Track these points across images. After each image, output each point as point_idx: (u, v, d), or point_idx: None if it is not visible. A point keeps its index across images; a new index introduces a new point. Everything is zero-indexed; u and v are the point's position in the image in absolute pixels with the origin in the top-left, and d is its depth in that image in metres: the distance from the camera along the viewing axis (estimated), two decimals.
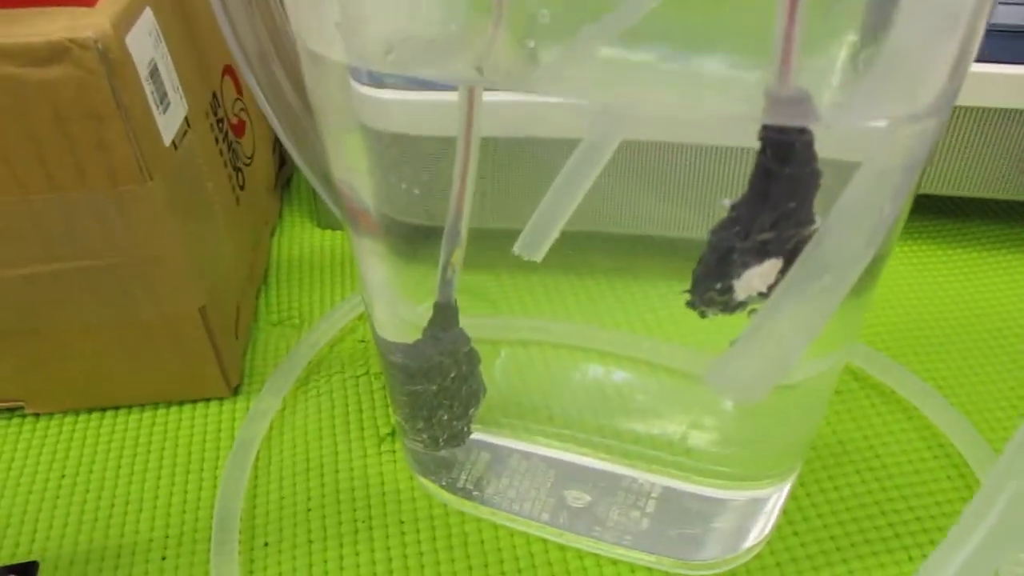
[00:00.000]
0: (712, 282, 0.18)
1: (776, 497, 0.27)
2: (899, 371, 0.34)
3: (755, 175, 0.17)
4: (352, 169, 0.24)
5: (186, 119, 0.29)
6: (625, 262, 0.25)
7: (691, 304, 0.19)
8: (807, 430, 0.26)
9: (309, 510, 0.29)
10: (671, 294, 0.24)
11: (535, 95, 0.19)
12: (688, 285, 0.19)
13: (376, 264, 0.26)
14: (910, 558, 0.28)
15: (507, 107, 0.21)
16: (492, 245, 0.25)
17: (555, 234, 0.23)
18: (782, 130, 0.16)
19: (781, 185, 0.17)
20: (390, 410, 0.32)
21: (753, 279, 0.18)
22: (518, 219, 0.22)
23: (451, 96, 0.20)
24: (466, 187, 0.23)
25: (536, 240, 0.23)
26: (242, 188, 0.34)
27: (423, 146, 0.23)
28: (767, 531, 0.28)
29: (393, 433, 0.31)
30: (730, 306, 0.19)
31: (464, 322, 0.26)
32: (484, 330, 0.28)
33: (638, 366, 0.28)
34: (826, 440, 0.32)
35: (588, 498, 0.29)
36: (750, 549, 0.28)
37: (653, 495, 0.28)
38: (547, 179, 0.21)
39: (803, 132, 0.16)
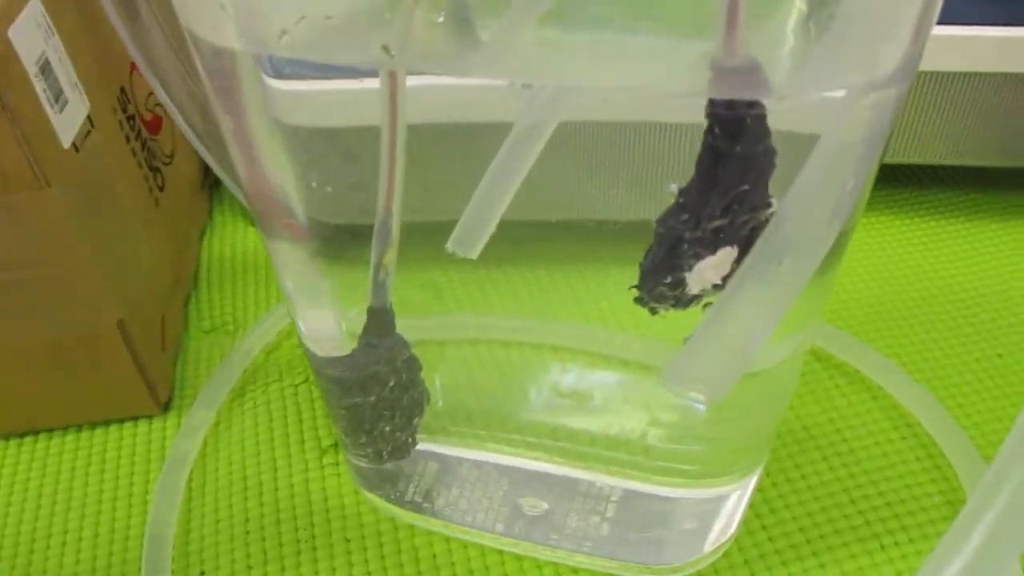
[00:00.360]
0: (662, 276, 0.16)
1: (741, 493, 0.26)
2: (862, 349, 0.32)
3: (703, 157, 0.15)
4: (266, 169, 0.22)
5: (89, 118, 0.26)
6: (575, 250, 0.24)
7: (640, 300, 0.17)
8: (771, 421, 0.25)
9: (248, 532, 0.27)
10: (624, 282, 0.24)
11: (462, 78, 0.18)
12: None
13: (300, 270, 0.24)
14: (881, 546, 0.27)
15: (435, 91, 0.19)
16: (432, 239, 0.22)
17: (491, 228, 0.21)
18: (730, 105, 0.15)
19: (732, 166, 0.15)
20: (331, 421, 0.30)
21: (706, 271, 0.16)
22: (457, 210, 0.21)
23: (372, 84, 0.18)
24: (395, 180, 0.21)
25: (471, 235, 0.21)
26: (161, 189, 0.32)
27: (344, 140, 0.21)
28: (734, 528, 0.27)
29: (336, 445, 0.29)
30: (683, 301, 0.17)
31: (405, 323, 0.24)
32: (426, 331, 0.26)
33: (593, 360, 0.26)
34: (790, 426, 0.31)
35: (545, 505, 0.27)
36: (717, 548, 0.27)
37: (613, 498, 0.27)
38: (485, 165, 0.20)
39: (754, 106, 0.15)
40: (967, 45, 0.33)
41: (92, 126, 0.27)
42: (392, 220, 0.23)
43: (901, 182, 0.42)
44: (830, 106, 0.16)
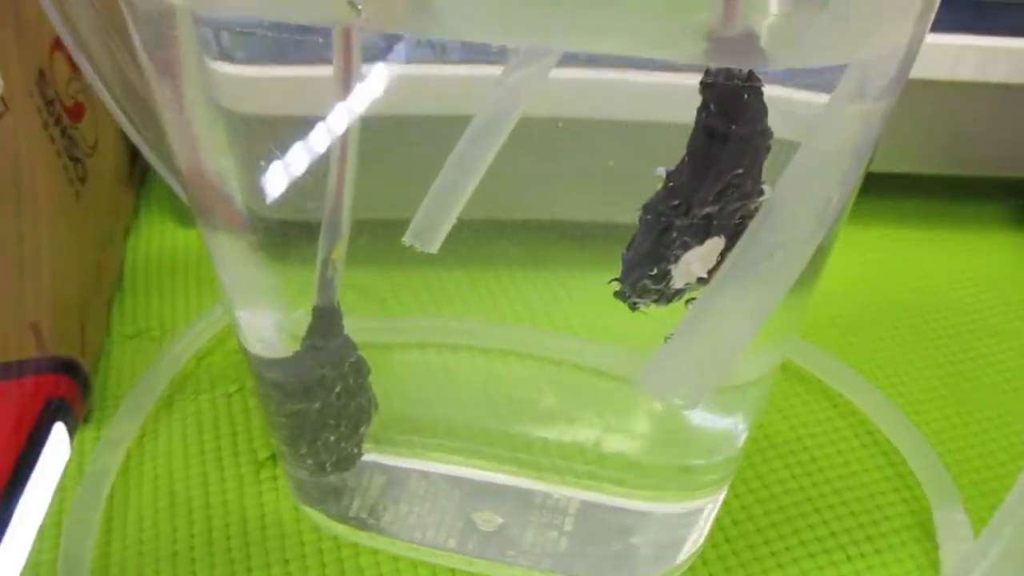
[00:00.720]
0: (647, 268, 0.15)
1: (711, 508, 0.24)
2: (820, 357, 0.32)
3: (696, 138, 0.14)
4: (206, 156, 0.20)
5: (1, 98, 0.24)
6: (529, 251, 0.23)
7: (621, 295, 0.16)
8: (740, 437, 0.23)
9: (175, 554, 0.25)
10: (580, 285, 0.23)
11: (419, 65, 0.18)
12: (602, 272, 0.17)
13: (241, 264, 0.22)
14: (847, 557, 0.26)
15: (391, 80, 0.19)
16: (379, 238, 0.22)
17: (451, 220, 0.20)
18: (728, 77, 0.13)
19: (728, 148, 0.14)
20: (270, 431, 0.28)
21: (693, 262, 0.15)
22: (407, 207, 0.20)
23: (320, 71, 0.18)
24: (346, 169, 0.20)
25: (429, 228, 0.20)
26: (82, 181, 0.30)
27: (294, 129, 0.19)
28: (700, 543, 0.25)
29: (273, 457, 0.27)
30: (666, 296, 0.16)
31: (349, 325, 0.22)
32: (372, 333, 0.25)
33: (546, 366, 0.25)
34: (752, 435, 0.29)
35: (499, 520, 0.26)
36: (681, 564, 0.25)
37: (570, 511, 0.26)
38: (438, 161, 0.19)
39: (753, 81, 0.13)
40: (938, 53, 0.33)
41: (5, 107, 0.24)
42: (342, 212, 0.21)
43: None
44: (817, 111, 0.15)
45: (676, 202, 0.14)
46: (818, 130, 0.15)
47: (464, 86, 0.19)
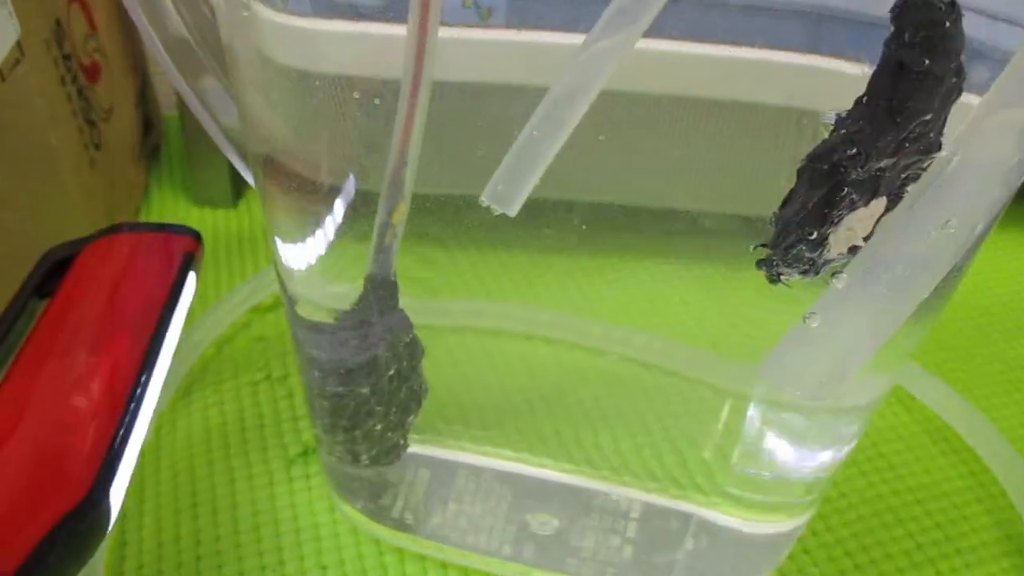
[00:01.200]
0: (808, 230, 0.13)
1: (798, 527, 0.22)
2: None
3: (880, 75, 0.12)
4: (261, 116, 0.19)
5: (19, 44, 0.22)
6: (604, 237, 0.21)
7: (766, 264, 0.14)
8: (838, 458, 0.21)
9: (199, 558, 0.22)
10: (651, 276, 0.22)
11: (497, 31, 0.17)
12: (668, 260, 0.18)
13: (296, 228, 0.20)
14: (937, 573, 0.24)
15: (468, 46, 0.18)
16: (442, 214, 0.20)
17: (533, 180, 0.18)
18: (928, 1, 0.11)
19: (919, 87, 0.12)
20: (302, 424, 0.26)
21: (855, 225, 0.13)
22: (466, 182, 0.19)
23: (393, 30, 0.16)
24: (414, 121, 0.18)
25: (510, 187, 0.18)
26: (97, 148, 0.27)
27: (356, 89, 0.18)
28: (780, 559, 0.23)
29: (306, 453, 0.25)
30: (816, 266, 0.14)
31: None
32: (421, 314, 0.23)
33: (610, 359, 0.23)
34: None
35: (555, 523, 0.24)
36: None
37: (632, 515, 0.23)
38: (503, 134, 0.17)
39: (953, 7, 0.11)
40: None
41: (21, 54, 0.22)
42: (405, 170, 0.19)
43: None
44: None
45: (853, 151, 0.12)
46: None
47: (538, 54, 0.18)
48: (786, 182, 0.20)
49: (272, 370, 0.28)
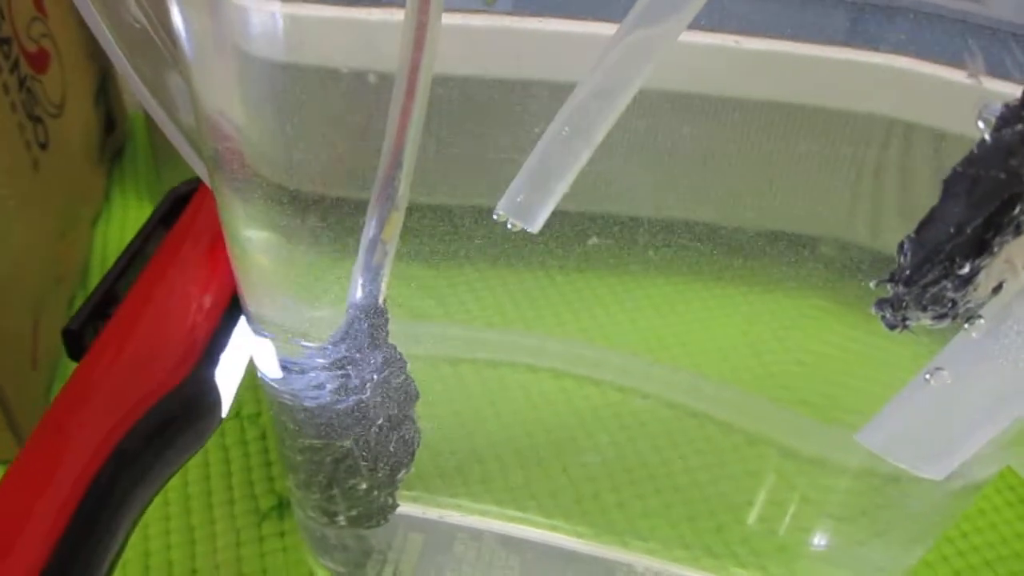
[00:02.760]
0: (961, 260, 0.10)
1: None
2: None
3: None
4: (225, 113, 0.17)
5: None
6: (625, 253, 0.20)
7: (890, 305, 0.11)
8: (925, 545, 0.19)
9: None
10: (683, 300, 0.21)
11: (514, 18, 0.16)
12: (704, 281, 0.18)
13: (260, 247, 0.17)
14: None
15: (477, 35, 0.16)
16: (433, 225, 0.18)
17: (561, 191, 0.15)
18: None
19: None
20: (276, 470, 0.23)
21: (1016, 254, 0.10)
22: (469, 191, 0.18)
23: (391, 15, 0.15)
24: (410, 118, 0.15)
25: (535, 197, 0.15)
26: (43, 147, 0.24)
27: (340, 81, 0.16)
28: None
29: (281, 506, 0.22)
30: (957, 308, 0.11)
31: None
32: (411, 342, 0.20)
33: (638, 400, 0.22)
34: None
35: None
36: None
37: None
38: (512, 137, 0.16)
39: None
40: None
41: None
42: (400, 174, 0.16)
43: None
44: None
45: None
46: None
47: (550, 46, 0.17)
48: (852, 196, 0.18)
49: (242, 406, 0.25)
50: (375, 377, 0.18)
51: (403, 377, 0.18)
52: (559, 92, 0.18)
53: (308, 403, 0.18)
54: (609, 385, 0.23)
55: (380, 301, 0.18)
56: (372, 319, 0.18)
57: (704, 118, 0.19)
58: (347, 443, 0.19)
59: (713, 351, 0.23)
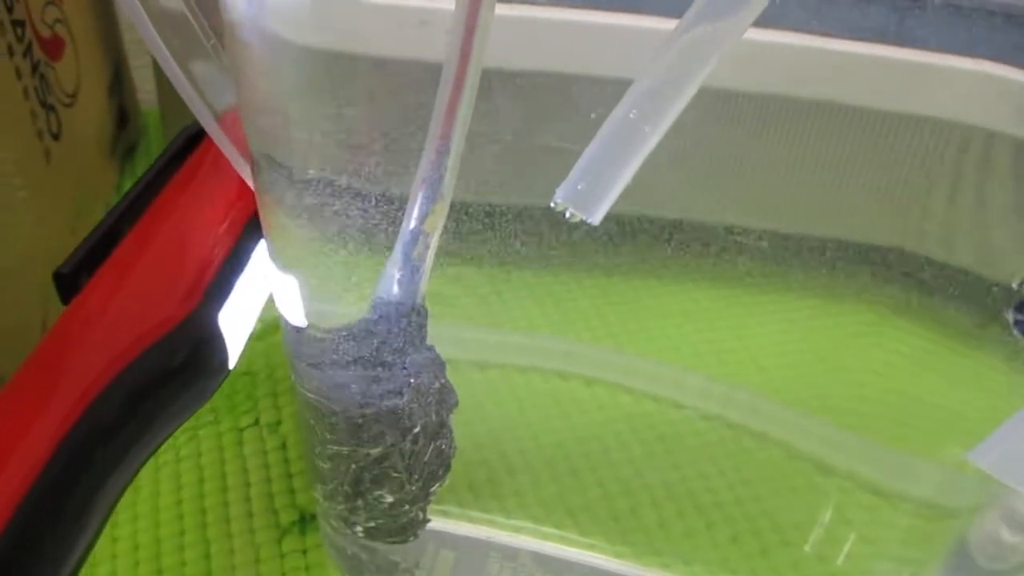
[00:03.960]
0: None
1: None
2: None
3: None
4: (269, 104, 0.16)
5: None
6: (668, 255, 0.19)
7: None
8: None
9: None
10: (732, 309, 0.21)
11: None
12: (753, 288, 0.17)
13: (298, 235, 0.16)
14: None
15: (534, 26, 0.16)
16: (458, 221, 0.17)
17: (623, 181, 0.14)
18: None
19: None
20: (297, 483, 0.22)
21: None
22: (521, 189, 0.17)
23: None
24: (461, 97, 0.15)
25: (597, 186, 0.15)
26: (55, 137, 0.24)
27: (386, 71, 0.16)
28: None
29: (303, 520, 0.21)
30: None
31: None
32: (448, 345, 0.20)
33: (687, 415, 0.21)
34: None
35: None
36: None
37: None
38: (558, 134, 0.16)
39: None
40: None
41: None
42: (447, 161, 0.15)
43: None
44: None
45: None
46: None
47: (617, 39, 0.16)
48: (923, 207, 0.18)
49: (261, 413, 0.24)
50: (411, 381, 0.17)
51: (442, 381, 0.17)
52: (606, 87, 0.17)
53: (337, 406, 0.17)
54: (643, 394, 0.22)
55: (419, 299, 0.17)
56: (410, 318, 0.17)
57: (761, 119, 0.18)
58: (377, 451, 0.18)
59: (747, 361, 0.23)
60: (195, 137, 0.23)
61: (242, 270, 0.20)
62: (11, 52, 0.21)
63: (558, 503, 0.21)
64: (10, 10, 0.22)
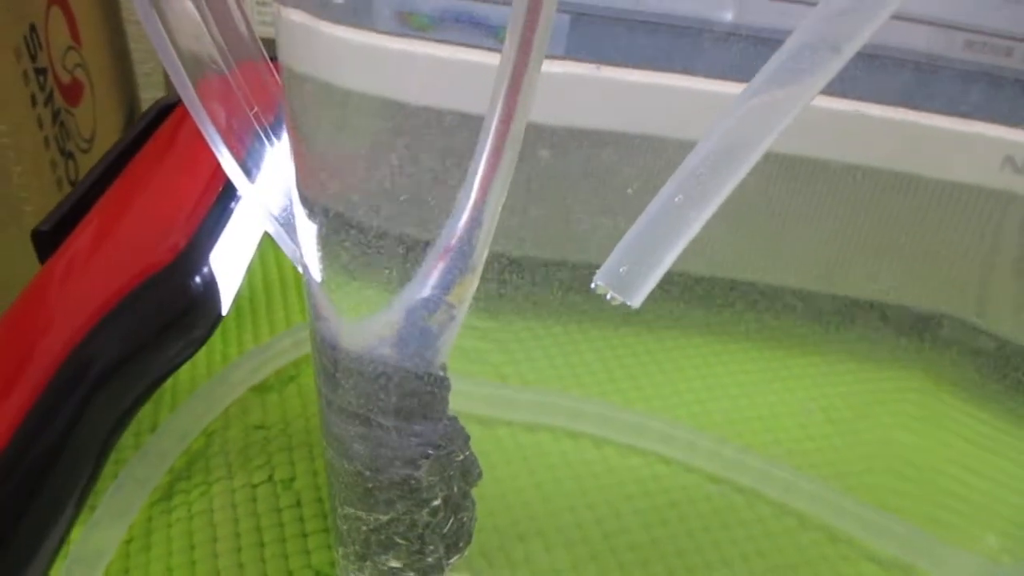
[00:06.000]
0: None
1: None
2: None
3: None
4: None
5: None
6: (692, 311, 0.19)
7: None
8: None
9: None
10: (765, 371, 0.21)
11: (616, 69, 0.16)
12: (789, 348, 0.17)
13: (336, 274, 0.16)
14: None
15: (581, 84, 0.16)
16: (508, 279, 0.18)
17: (666, 265, 0.15)
18: None
19: None
20: (313, 542, 0.22)
21: None
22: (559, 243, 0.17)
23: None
24: (503, 160, 0.15)
25: (640, 271, 0.15)
26: (73, 184, 0.23)
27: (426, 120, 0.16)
28: None
29: None
30: None
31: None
32: (467, 402, 0.20)
33: (727, 491, 0.21)
34: None
35: None
36: None
37: None
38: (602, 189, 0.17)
39: None
40: None
41: None
42: (481, 232, 0.15)
43: None
44: None
45: None
46: None
47: (604, 94, 0.16)
48: (965, 275, 0.18)
49: (275, 469, 0.23)
50: (430, 452, 0.17)
51: (466, 453, 0.17)
52: (631, 142, 0.17)
53: (350, 463, 0.17)
54: (654, 455, 0.22)
55: (439, 368, 0.17)
56: (430, 387, 0.17)
57: (792, 178, 0.18)
58: (385, 517, 0.17)
59: (755, 420, 0.23)
60: (169, 108, 0.23)
61: (229, 217, 0.20)
62: (34, 102, 0.22)
63: (571, 572, 0.20)
64: (33, 58, 0.22)
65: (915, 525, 0.20)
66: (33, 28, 0.22)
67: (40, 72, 0.22)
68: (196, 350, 0.20)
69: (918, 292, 0.19)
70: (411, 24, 0.16)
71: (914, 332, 0.19)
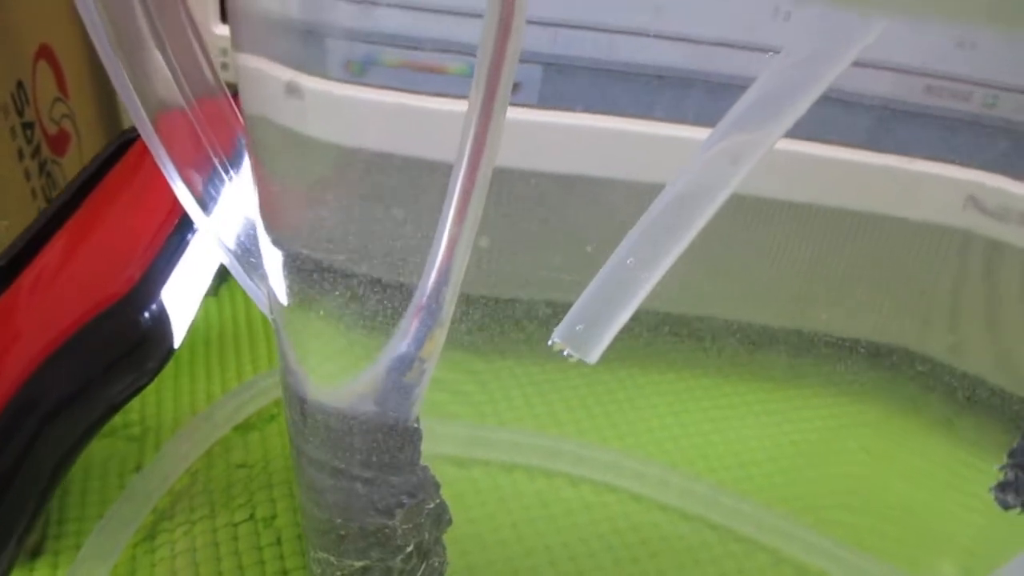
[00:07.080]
0: None
1: None
2: None
3: None
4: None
5: None
6: (707, 358, 0.21)
7: (1014, 489, 0.11)
8: None
9: None
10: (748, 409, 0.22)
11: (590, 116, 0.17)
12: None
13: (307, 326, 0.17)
14: None
15: (548, 130, 0.17)
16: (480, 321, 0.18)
17: (621, 323, 0.15)
18: None
19: None
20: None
21: None
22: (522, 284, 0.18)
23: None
24: (466, 223, 0.15)
25: (595, 330, 0.15)
26: None
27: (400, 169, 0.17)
28: None
29: None
30: None
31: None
32: (441, 442, 0.20)
33: (712, 536, 0.21)
34: None
35: None
36: None
37: None
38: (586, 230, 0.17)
39: None
40: None
41: None
42: (448, 289, 0.16)
43: None
44: None
45: None
46: None
47: (572, 141, 0.17)
48: (927, 309, 0.18)
49: (256, 508, 0.24)
50: (405, 501, 0.18)
51: (436, 501, 0.18)
52: (593, 185, 0.18)
53: (322, 512, 0.18)
54: (627, 493, 0.22)
55: (412, 420, 0.17)
56: (405, 437, 0.18)
57: (757, 219, 0.19)
58: (360, 564, 0.18)
59: (728, 455, 0.23)
60: (131, 141, 0.23)
61: (183, 252, 0.21)
62: (21, 156, 0.22)
63: None
64: (20, 114, 0.23)
65: (890, 563, 0.20)
66: (20, 85, 0.23)
67: (27, 126, 0.23)
68: (148, 382, 0.20)
69: (883, 327, 0.19)
70: (351, 71, 0.16)
71: (880, 365, 0.20)
